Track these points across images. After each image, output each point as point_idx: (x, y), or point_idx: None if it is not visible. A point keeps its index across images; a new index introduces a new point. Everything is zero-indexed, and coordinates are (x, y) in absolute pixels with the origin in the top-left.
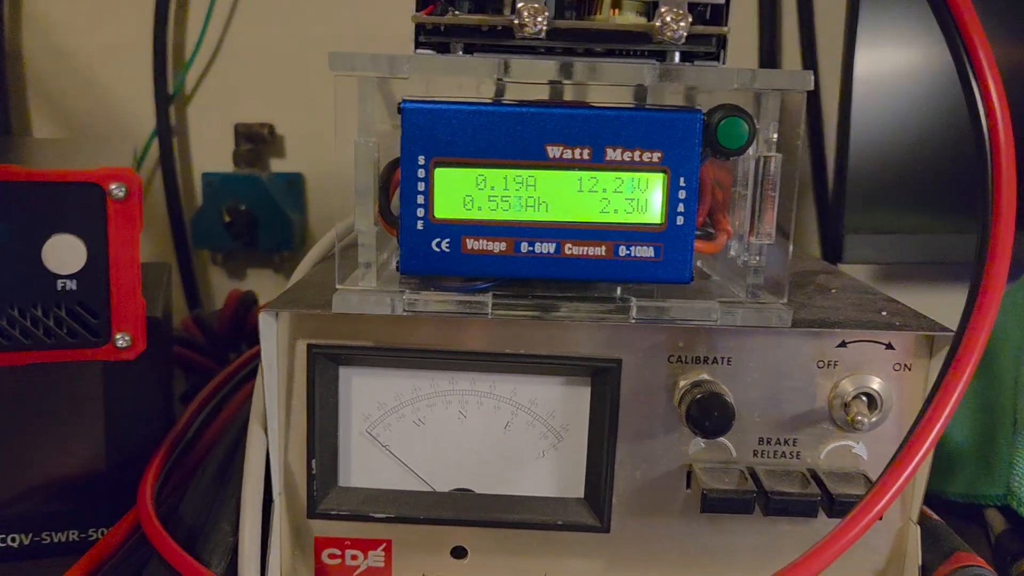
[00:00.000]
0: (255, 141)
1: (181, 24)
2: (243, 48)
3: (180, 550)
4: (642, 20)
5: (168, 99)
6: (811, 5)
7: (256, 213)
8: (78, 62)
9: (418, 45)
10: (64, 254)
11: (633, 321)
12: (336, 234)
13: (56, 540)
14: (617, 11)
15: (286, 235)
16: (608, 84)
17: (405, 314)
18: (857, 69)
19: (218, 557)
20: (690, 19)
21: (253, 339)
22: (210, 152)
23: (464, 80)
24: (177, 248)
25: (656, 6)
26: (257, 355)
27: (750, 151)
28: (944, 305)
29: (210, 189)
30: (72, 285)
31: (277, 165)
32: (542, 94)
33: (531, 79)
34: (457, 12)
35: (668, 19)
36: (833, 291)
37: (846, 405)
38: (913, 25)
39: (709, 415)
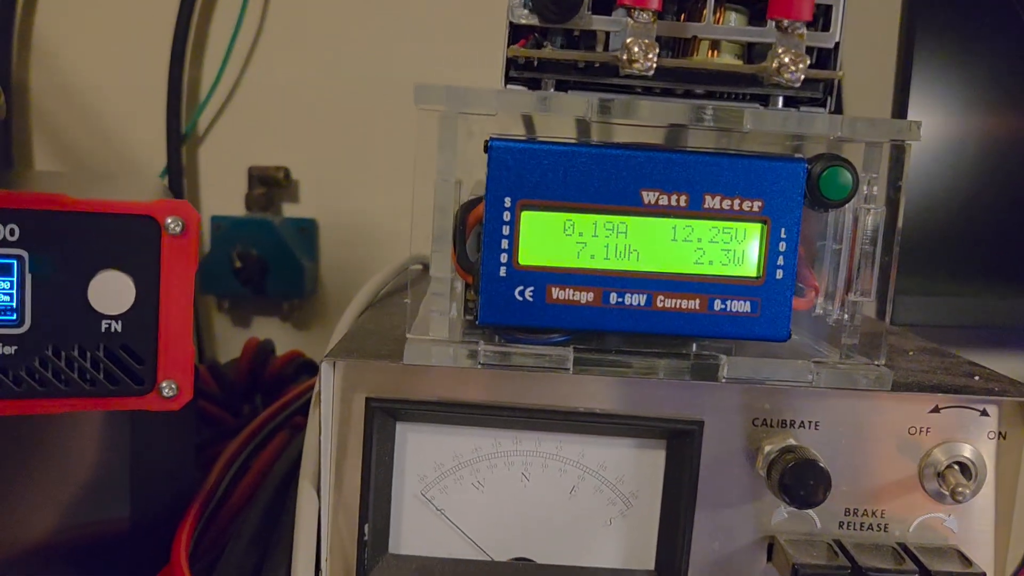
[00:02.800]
0: (269, 185)
1: (197, 63)
2: (260, 90)
3: None
4: (739, 62)
5: (181, 139)
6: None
7: (267, 259)
8: (86, 97)
9: (508, 80)
10: (112, 292)
11: (723, 381)
12: (383, 279)
13: None
14: (716, 53)
15: (297, 283)
16: (719, 128)
17: (480, 367)
18: None
19: None
20: (808, 61)
21: (270, 390)
22: (220, 195)
23: (558, 119)
24: None
25: (751, 48)
26: (284, 407)
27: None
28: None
29: (219, 232)
30: (117, 326)
31: (290, 210)
32: (628, 135)
33: (643, 120)
34: (549, 46)
35: (786, 60)
36: (911, 353)
37: (940, 475)
38: (963, 92)
39: (804, 483)
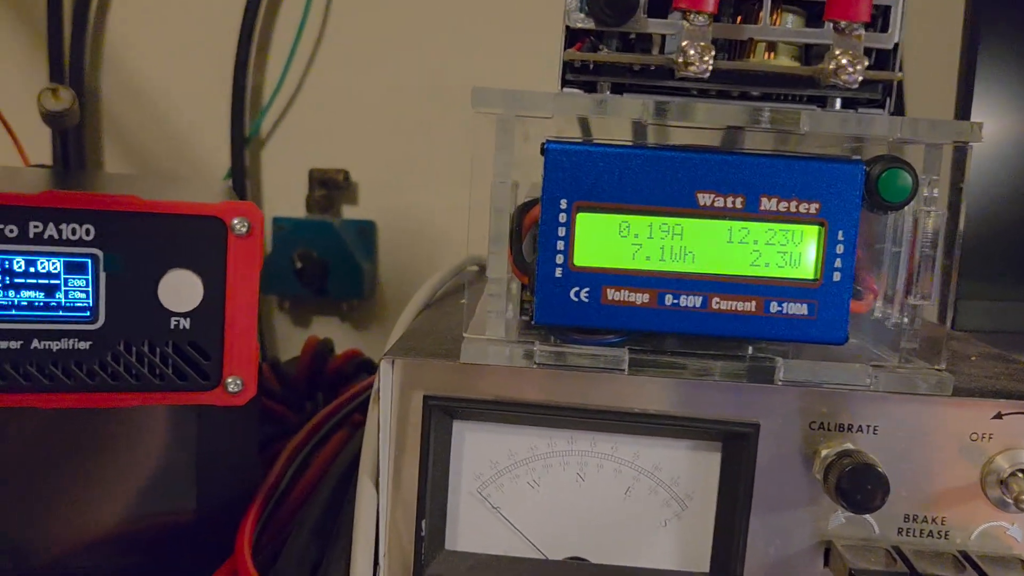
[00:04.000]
0: (330, 187)
1: (260, 68)
2: (320, 94)
3: None
4: (796, 64)
5: (244, 142)
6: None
7: (327, 260)
8: (155, 102)
9: (564, 83)
10: (180, 290)
11: (779, 383)
12: (440, 280)
13: None
14: (772, 55)
15: (356, 283)
16: (775, 130)
17: (536, 367)
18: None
19: None
20: (867, 63)
21: (329, 388)
22: (282, 196)
23: (615, 122)
24: None
25: (809, 49)
26: (343, 405)
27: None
28: None
29: (281, 233)
30: (185, 323)
31: (349, 212)
32: (683, 138)
33: (700, 123)
34: (605, 49)
35: (844, 62)
36: (973, 358)
37: (1003, 482)
38: None
39: (862, 488)
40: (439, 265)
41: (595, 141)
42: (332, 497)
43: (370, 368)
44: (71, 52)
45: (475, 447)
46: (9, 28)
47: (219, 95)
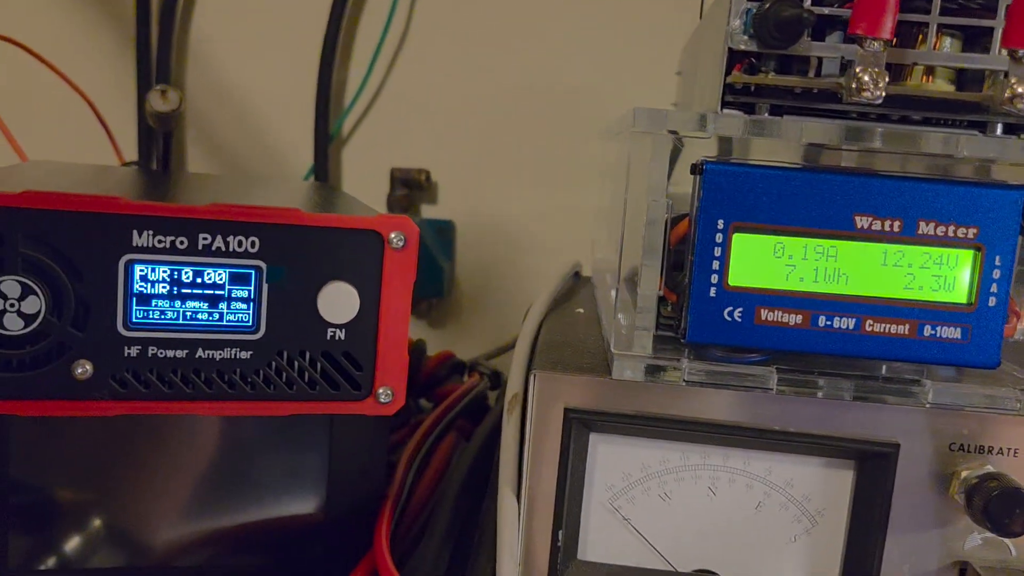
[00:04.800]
0: (411, 187)
1: (344, 66)
2: (404, 93)
3: None
4: (951, 88)
5: (327, 141)
6: None
7: None
8: (239, 100)
9: (724, 105)
10: (338, 302)
11: (928, 405)
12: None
13: None
14: (930, 78)
15: (437, 283)
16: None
17: (685, 384)
18: None
19: None
20: None
21: (423, 389)
22: (363, 196)
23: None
24: None
25: (962, 72)
26: (449, 409)
27: None
28: None
29: None
30: (341, 335)
31: (428, 211)
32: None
33: (877, 146)
34: (768, 72)
35: (1020, 91)
36: None
37: None
38: None
39: (1010, 512)
40: (518, 266)
41: (752, 162)
42: (457, 504)
43: (461, 370)
44: (158, 50)
45: (609, 459)
46: (96, 26)
47: (303, 94)
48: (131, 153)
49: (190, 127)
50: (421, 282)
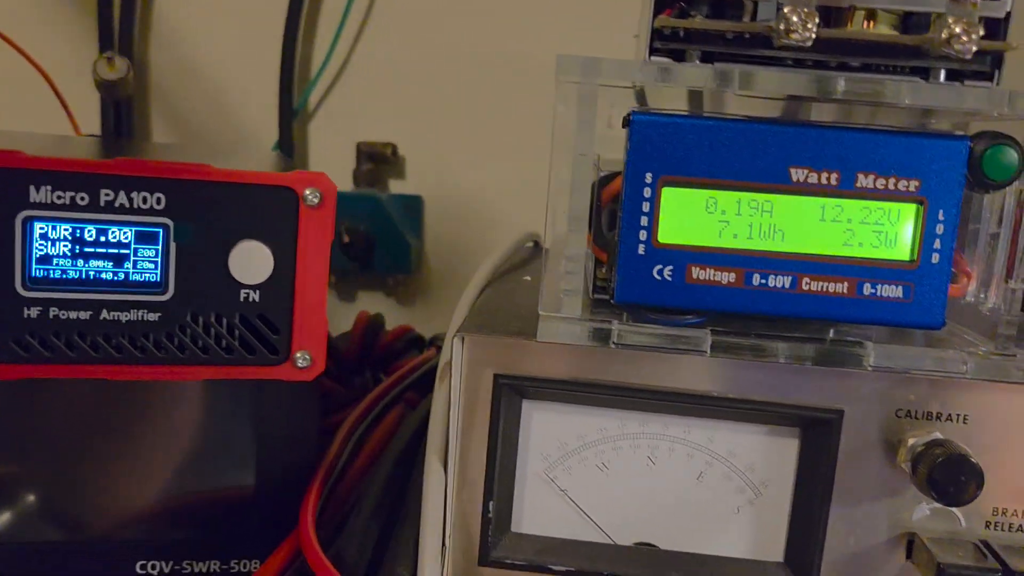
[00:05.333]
0: (377, 161)
1: (309, 40)
2: (369, 66)
3: None
4: (895, 33)
5: (292, 114)
6: None
7: (373, 234)
8: (202, 73)
9: (652, 52)
10: (251, 262)
11: (870, 369)
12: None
13: (197, 570)
14: (872, 23)
15: (403, 258)
16: (875, 103)
17: (614, 347)
18: None
19: None
20: (981, 32)
21: (380, 364)
22: (328, 170)
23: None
24: None
25: (907, 18)
26: (398, 381)
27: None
28: None
29: None
30: (255, 296)
31: (395, 186)
32: (770, 111)
33: (797, 92)
34: (696, 16)
35: (958, 31)
36: None
37: None
38: None
39: (955, 480)
40: (487, 241)
41: (683, 113)
42: (392, 475)
43: (421, 345)
44: (121, 23)
45: (543, 428)
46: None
47: (267, 67)
48: (93, 126)
49: (154, 101)
50: (387, 258)
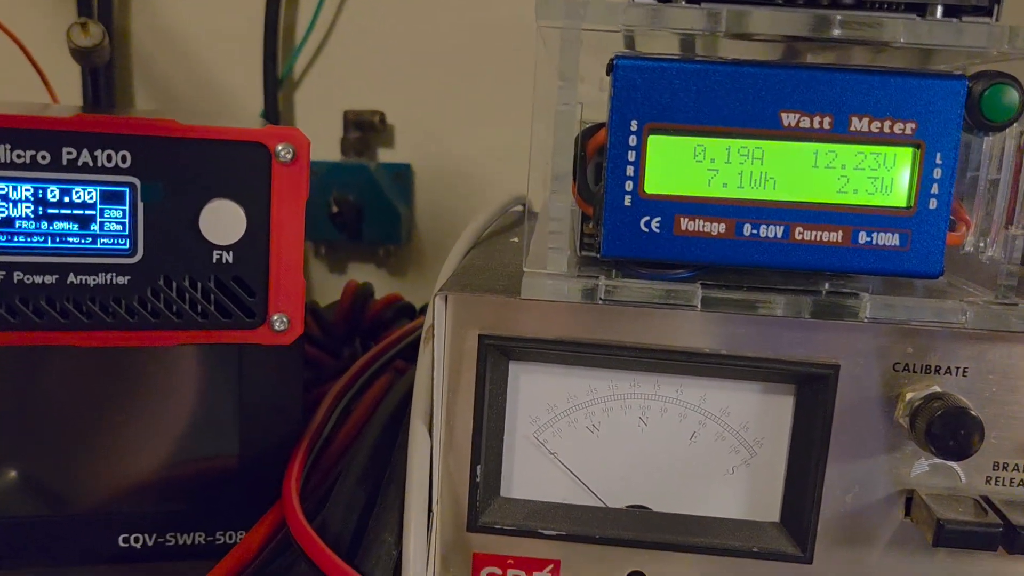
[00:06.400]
0: (365, 129)
1: (292, 6)
2: (355, 33)
3: (336, 557)
4: None
5: (277, 83)
6: None
7: (362, 204)
8: (185, 42)
9: None
10: (222, 222)
11: (865, 320)
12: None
13: (182, 542)
14: None
15: (393, 228)
16: (870, 42)
17: (601, 303)
18: None
19: (382, 571)
20: None
21: (369, 333)
22: (316, 139)
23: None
24: None
25: None
26: (386, 349)
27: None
28: None
29: (315, 178)
30: (229, 257)
31: (385, 155)
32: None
33: (789, 32)
34: None
35: None
36: None
37: None
38: None
39: (955, 433)
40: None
41: (669, 57)
42: (378, 442)
43: (411, 313)
44: None
45: (532, 389)
46: None
47: (251, 35)
48: (75, 98)
49: (137, 70)
50: (377, 228)
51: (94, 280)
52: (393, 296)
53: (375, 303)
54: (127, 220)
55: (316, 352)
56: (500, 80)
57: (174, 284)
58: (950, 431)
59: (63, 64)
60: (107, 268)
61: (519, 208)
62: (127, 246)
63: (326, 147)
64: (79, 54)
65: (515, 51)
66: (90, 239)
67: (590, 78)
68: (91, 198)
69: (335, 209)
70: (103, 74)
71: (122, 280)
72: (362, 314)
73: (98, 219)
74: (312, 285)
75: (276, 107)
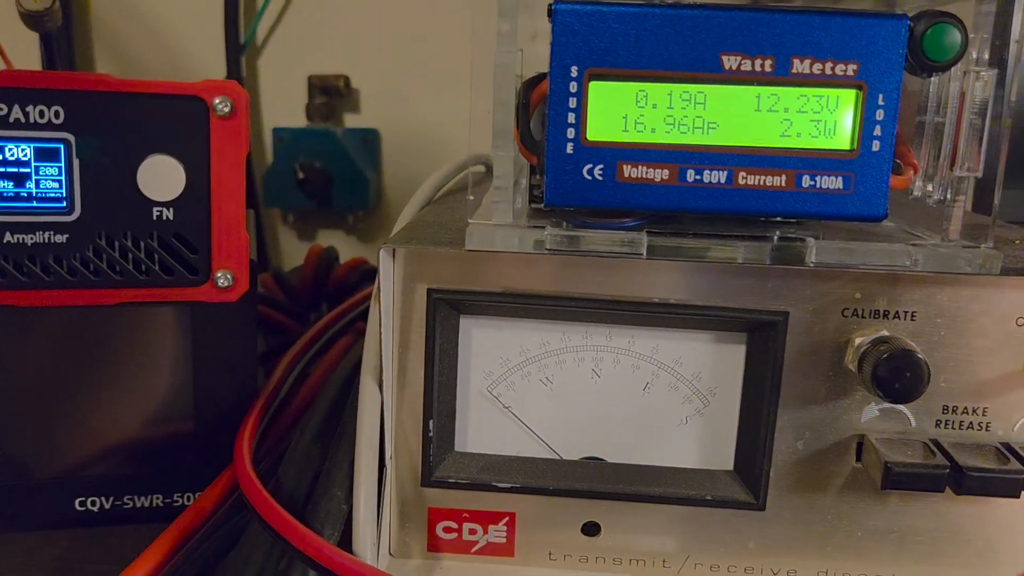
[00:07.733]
0: (330, 94)
1: None
2: None
3: (286, 514)
4: None
5: (239, 49)
6: None
7: (330, 171)
8: (146, 7)
9: None
10: (161, 177)
11: (811, 266)
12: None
13: (139, 505)
14: None
15: (362, 194)
16: None
17: (547, 253)
18: None
19: (331, 526)
20: None
21: (334, 297)
22: (280, 106)
23: None
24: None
25: None
26: (347, 311)
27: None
28: None
29: (281, 145)
30: (169, 214)
31: (351, 120)
32: None
33: None
34: None
35: None
36: (1017, 242)
37: None
38: None
39: (900, 376)
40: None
41: (608, 0)
42: (335, 402)
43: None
44: None
45: (484, 344)
46: None
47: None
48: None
49: (96, 37)
50: (345, 194)
51: (31, 239)
52: (358, 259)
53: (339, 267)
54: (63, 177)
55: (282, 317)
56: (466, 42)
57: (115, 242)
58: (896, 374)
59: (20, 31)
60: (44, 227)
61: (482, 168)
62: (64, 204)
63: (291, 113)
64: (30, 19)
65: (481, 11)
66: (26, 197)
67: (542, 35)
68: (25, 155)
69: (302, 176)
70: (58, 40)
71: (60, 239)
72: (326, 278)
73: (33, 176)
74: (281, 254)
75: (240, 73)
